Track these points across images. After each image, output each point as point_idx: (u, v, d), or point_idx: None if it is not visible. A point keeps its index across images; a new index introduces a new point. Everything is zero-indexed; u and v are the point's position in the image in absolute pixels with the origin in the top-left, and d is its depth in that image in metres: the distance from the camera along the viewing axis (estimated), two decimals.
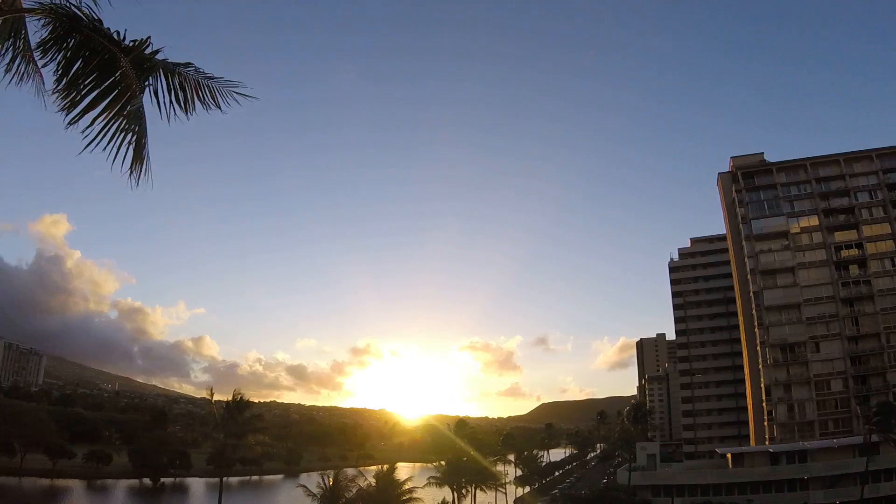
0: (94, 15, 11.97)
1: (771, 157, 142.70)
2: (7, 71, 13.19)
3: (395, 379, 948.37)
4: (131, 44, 11.96)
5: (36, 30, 12.92)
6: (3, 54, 13.11)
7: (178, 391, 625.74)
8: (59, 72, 12.27)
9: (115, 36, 12.00)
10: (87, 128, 11.88)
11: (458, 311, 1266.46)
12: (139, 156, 12.14)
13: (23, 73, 13.30)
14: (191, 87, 12.72)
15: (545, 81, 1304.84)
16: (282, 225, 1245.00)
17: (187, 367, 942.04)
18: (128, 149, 12.05)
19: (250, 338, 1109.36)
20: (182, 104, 12.66)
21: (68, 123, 11.90)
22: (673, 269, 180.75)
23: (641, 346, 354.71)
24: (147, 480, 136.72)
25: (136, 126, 12.08)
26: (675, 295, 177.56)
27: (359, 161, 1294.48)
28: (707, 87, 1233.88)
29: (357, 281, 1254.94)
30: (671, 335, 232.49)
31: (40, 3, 12.15)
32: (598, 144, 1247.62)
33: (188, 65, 12.75)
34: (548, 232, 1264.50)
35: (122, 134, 11.99)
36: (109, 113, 11.97)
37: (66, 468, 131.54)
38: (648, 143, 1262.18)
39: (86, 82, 12.12)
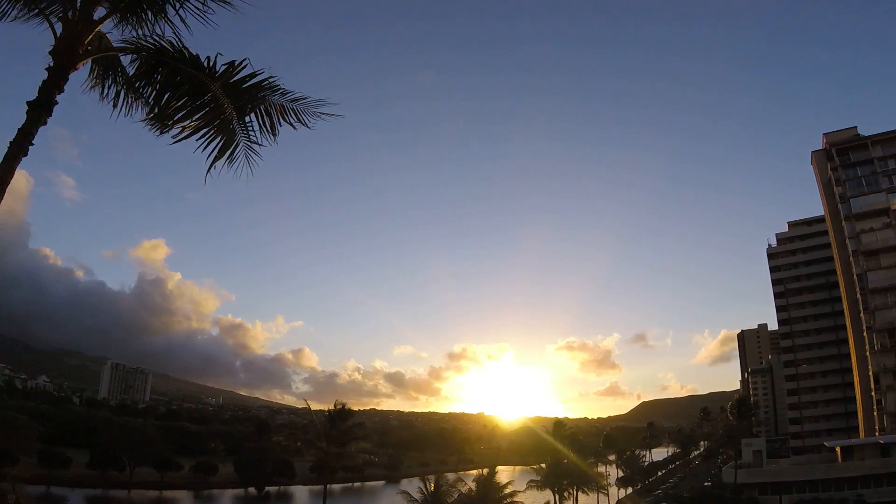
0: (179, 45, 12.57)
1: (865, 131, 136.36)
2: (114, 106, 14.05)
3: (492, 382, 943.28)
4: (222, 68, 12.44)
5: (127, 64, 13.92)
6: (108, 92, 14.03)
7: (280, 402, 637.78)
8: (152, 102, 13.21)
9: (204, 62, 12.54)
10: (178, 138, 12.97)
11: (553, 311, 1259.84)
12: (226, 151, 13.08)
13: (131, 106, 14.07)
14: (276, 112, 13.28)
15: (629, 63, 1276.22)
16: (372, 232, 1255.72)
17: (288, 379, 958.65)
18: (216, 147, 12.98)
19: (348, 347, 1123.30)
20: (269, 130, 13.39)
21: (162, 133, 13.00)
22: (771, 255, 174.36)
23: (742, 337, 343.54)
24: (252, 489, 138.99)
25: (223, 136, 12.93)
26: (775, 283, 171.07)
27: (445, 162, 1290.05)
28: (796, 61, 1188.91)
29: (450, 285, 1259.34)
30: (773, 325, 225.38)
31: (126, 41, 12.98)
32: (689, 126, 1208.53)
33: (275, 88, 13.07)
34: (642, 223, 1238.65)
35: (212, 136, 12.91)
36: (200, 123, 12.92)
37: (174, 480, 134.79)
38: (740, 123, 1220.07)
39: (177, 107, 12.98)
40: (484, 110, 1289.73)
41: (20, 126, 11.30)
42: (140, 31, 12.97)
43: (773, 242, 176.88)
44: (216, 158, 12.99)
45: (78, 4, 12.23)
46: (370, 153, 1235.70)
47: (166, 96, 13.02)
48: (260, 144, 13.37)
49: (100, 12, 12.41)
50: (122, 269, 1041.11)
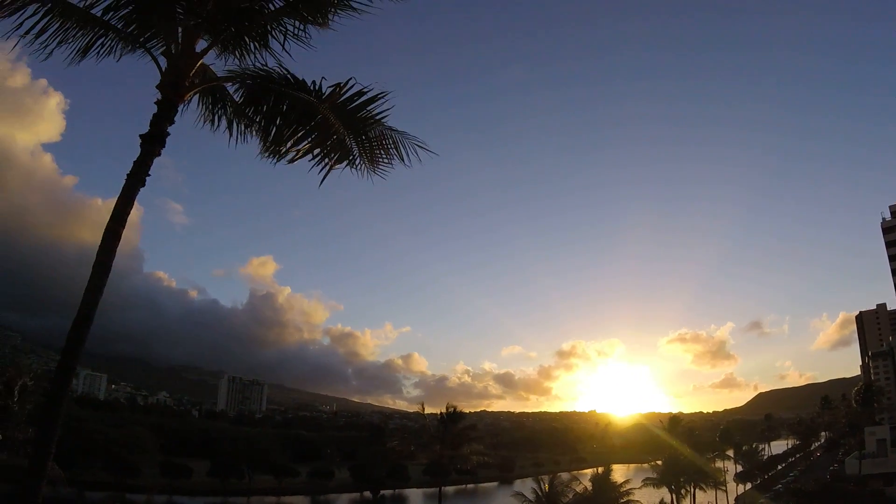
0: (283, 71, 12.91)
1: None
2: (230, 134, 14.62)
3: (603, 379, 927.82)
4: (329, 91, 12.60)
5: (232, 92, 14.52)
6: (215, 121, 14.71)
7: (392, 407, 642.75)
8: (261, 129, 13.47)
9: (310, 85, 12.76)
10: (293, 159, 13.15)
11: (663, 303, 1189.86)
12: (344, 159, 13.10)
13: (243, 133, 14.61)
14: (378, 142, 13.28)
15: (731, 34, 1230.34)
16: (473, 232, 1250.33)
17: (399, 384, 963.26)
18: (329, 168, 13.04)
19: (456, 350, 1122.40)
20: (368, 158, 13.31)
21: (277, 161, 13.21)
22: (886, 229, 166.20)
23: (861, 319, 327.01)
24: (367, 493, 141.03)
25: (335, 154, 12.94)
26: (891, 258, 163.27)
27: (543, 155, 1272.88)
28: None
29: (556, 282, 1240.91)
30: (893, 304, 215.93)
31: (231, 70, 13.39)
32: (797, 99, 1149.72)
33: (371, 118, 13.05)
34: (751, 204, 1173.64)
35: (324, 158, 12.96)
36: (311, 146, 12.99)
37: (292, 486, 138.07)
38: (847, 90, 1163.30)
39: (288, 133, 13.12)
40: (577, 98, 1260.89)
41: (135, 158, 11.84)
42: (242, 60, 13.46)
43: (887, 215, 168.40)
44: (326, 173, 13.21)
45: (180, 39, 12.68)
46: (467, 151, 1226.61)
47: (277, 122, 13.28)
48: (375, 164, 13.49)
49: (201, 44, 12.78)
50: (233, 286, 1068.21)
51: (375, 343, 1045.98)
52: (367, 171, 13.39)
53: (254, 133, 14.55)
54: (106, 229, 11.44)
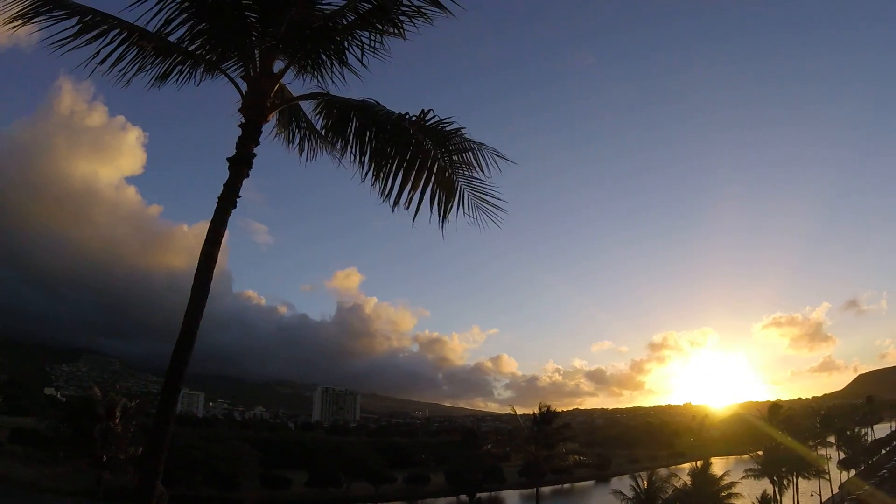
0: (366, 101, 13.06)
1: None
2: (300, 150, 15.35)
3: (696, 370, 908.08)
4: (413, 117, 12.42)
5: (309, 110, 14.97)
6: (293, 139, 15.28)
7: (484, 410, 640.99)
8: (349, 150, 13.38)
9: (390, 109, 12.66)
10: (385, 193, 12.65)
11: (755, 287, 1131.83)
12: (445, 212, 12.59)
13: (314, 150, 15.38)
14: (460, 155, 12.90)
15: None
16: (557, 229, 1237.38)
17: (489, 387, 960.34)
18: (432, 206, 12.58)
19: (545, 349, 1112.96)
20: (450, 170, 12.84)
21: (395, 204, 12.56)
22: None
23: None
24: (464, 497, 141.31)
25: (441, 190, 12.59)
26: None
27: (620, 135, 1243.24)
28: None
29: (644, 272, 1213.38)
30: None
31: (311, 91, 13.75)
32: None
33: (455, 133, 12.64)
34: (844, 176, 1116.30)
35: (424, 193, 12.53)
36: (409, 175, 12.53)
37: (388, 492, 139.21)
38: None
39: (387, 160, 12.78)
40: (651, 67, 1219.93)
41: (223, 182, 12.25)
42: (321, 79, 13.76)
43: None
44: (442, 212, 12.62)
45: (257, 61, 12.99)
46: (543, 147, 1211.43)
47: (370, 144, 13.05)
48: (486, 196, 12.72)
49: (278, 65, 13.10)
50: (320, 300, 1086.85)
51: (464, 347, 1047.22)
52: (472, 203, 12.70)
53: (330, 150, 14.95)
54: (202, 252, 11.83)
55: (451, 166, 12.47)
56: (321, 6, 13.01)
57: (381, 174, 12.62)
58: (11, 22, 12.15)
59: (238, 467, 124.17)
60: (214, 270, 11.74)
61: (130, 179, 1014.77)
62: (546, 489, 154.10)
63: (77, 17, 12.22)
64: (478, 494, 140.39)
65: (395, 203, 12.42)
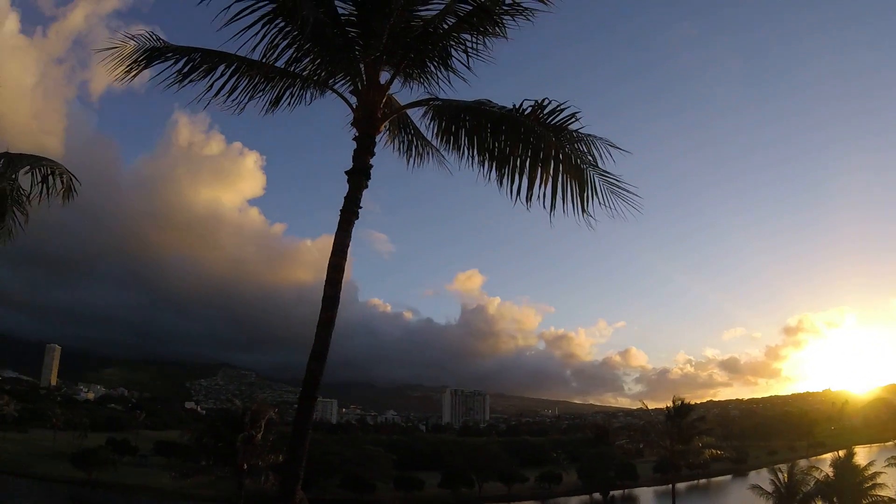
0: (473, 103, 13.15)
1: None
2: (408, 158, 15.85)
3: (835, 352, 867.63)
4: (528, 109, 12.32)
5: (416, 118, 15.35)
6: (404, 148, 15.78)
7: (615, 405, 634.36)
8: (465, 152, 13.24)
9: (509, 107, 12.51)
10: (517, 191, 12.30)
11: (893, 259, 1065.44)
12: (583, 203, 12.03)
13: (422, 156, 15.88)
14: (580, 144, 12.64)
15: None
16: (681, 217, 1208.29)
17: (619, 381, 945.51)
18: (564, 199, 12.07)
19: (675, 340, 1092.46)
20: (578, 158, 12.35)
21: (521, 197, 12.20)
22: None
23: None
24: (597, 495, 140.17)
25: (571, 180, 12.07)
26: None
27: (735, 122, 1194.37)
28: None
29: (769, 255, 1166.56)
30: None
31: (419, 98, 14.05)
32: None
33: (573, 117, 12.48)
34: None
35: (557, 186, 12.05)
36: (536, 170, 12.17)
37: (521, 491, 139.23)
38: None
39: (509, 157, 12.49)
40: (766, 42, 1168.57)
41: (344, 194, 12.76)
42: (427, 85, 14.02)
43: None
44: (578, 203, 11.99)
45: (363, 75, 13.41)
46: (662, 135, 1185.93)
47: (481, 139, 12.90)
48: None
49: (384, 76, 13.47)
50: (444, 303, 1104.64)
51: (591, 342, 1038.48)
52: (605, 193, 12.13)
53: (441, 155, 15.44)
54: (329, 265, 12.39)
55: (576, 155, 12.14)
56: (420, 13, 13.30)
57: (506, 171, 12.39)
58: (128, 73, 13.22)
59: (373, 470, 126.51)
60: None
61: (253, 201, 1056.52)
62: (681, 485, 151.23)
63: (185, 58, 13.02)
64: (611, 492, 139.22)
65: (528, 200, 12.15)
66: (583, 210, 11.92)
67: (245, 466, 60.72)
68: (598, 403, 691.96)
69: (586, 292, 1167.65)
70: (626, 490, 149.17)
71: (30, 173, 15.70)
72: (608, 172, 12.15)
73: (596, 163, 12.17)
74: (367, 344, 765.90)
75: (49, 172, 15.87)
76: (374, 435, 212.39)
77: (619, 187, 12.01)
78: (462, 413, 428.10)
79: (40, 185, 15.82)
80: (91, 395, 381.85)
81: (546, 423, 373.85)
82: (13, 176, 16.05)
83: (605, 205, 12.00)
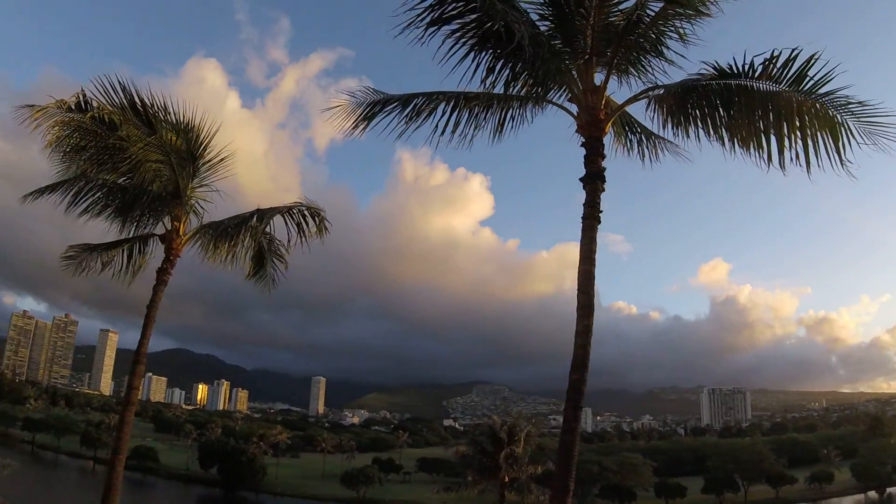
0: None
1: None
2: (641, 157, 15.84)
3: None
4: (759, 68, 11.50)
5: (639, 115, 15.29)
6: (632, 146, 15.79)
7: (887, 391, 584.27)
8: (700, 135, 13.01)
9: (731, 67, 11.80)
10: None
11: None
12: (839, 154, 11.42)
13: (654, 152, 15.80)
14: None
15: None
16: None
17: (891, 363, 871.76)
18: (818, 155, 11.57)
19: None
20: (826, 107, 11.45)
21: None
22: None
23: None
24: (872, 493, 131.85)
25: (822, 131, 11.48)
26: None
27: None
28: None
29: None
30: None
31: (636, 93, 13.80)
32: None
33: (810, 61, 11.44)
34: None
35: (807, 143, 11.56)
36: (782, 133, 11.78)
37: (790, 493, 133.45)
38: None
39: (749, 127, 12.09)
40: None
41: (583, 201, 12.90)
42: (642, 78, 13.80)
43: None
44: (835, 155, 11.42)
45: (577, 81, 13.51)
46: None
47: (714, 117, 12.58)
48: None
49: (598, 78, 13.50)
50: (690, 298, 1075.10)
51: (856, 321, 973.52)
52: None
53: (673, 145, 15.27)
54: (579, 272, 12.56)
55: (824, 106, 11.29)
56: (618, 7, 13.06)
57: (752, 144, 12.05)
58: (355, 128, 14.12)
59: (633, 478, 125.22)
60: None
61: (484, 222, 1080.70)
62: None
63: (412, 105, 13.82)
64: (888, 490, 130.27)
65: (782, 166, 11.73)
66: (840, 162, 11.31)
67: (507, 479, 62.06)
68: (870, 391, 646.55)
69: (844, 267, 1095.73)
70: None
71: (285, 226, 17.56)
72: (864, 105, 11.08)
73: (847, 103, 11.15)
74: (615, 348, 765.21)
75: (301, 218, 17.55)
76: (631, 442, 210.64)
77: (881, 123, 10.98)
78: (722, 413, 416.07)
79: (296, 230, 17.63)
80: (356, 420, 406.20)
81: (813, 417, 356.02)
82: (267, 229, 17.71)
83: (863, 145, 11.18)
